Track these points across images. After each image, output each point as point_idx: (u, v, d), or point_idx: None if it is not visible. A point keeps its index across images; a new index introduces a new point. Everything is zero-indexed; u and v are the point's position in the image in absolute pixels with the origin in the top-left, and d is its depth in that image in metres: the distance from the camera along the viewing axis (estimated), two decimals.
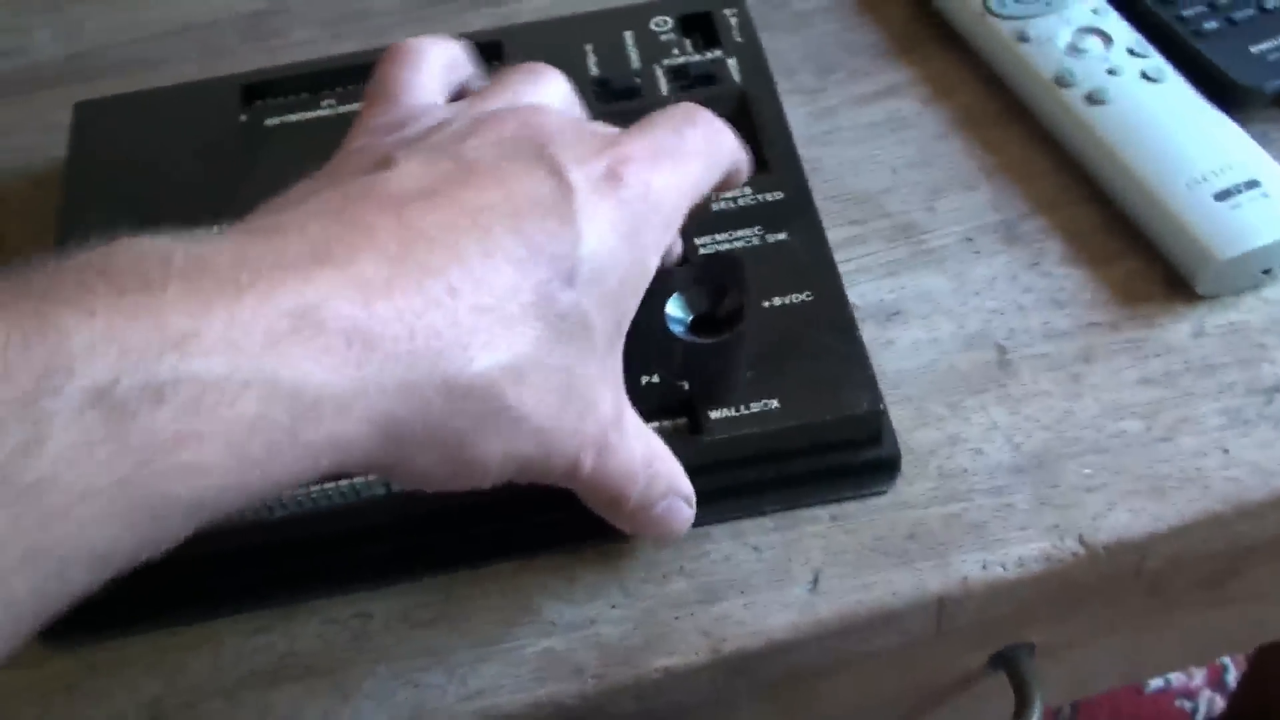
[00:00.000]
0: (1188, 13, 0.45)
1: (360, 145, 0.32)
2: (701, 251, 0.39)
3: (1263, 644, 0.89)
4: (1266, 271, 0.40)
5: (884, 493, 0.36)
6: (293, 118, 0.45)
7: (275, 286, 0.24)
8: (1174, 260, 0.40)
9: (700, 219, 0.38)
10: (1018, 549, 0.35)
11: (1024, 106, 0.46)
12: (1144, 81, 0.43)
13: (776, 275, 0.38)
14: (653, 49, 0.45)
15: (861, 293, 0.41)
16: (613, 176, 0.30)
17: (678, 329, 0.37)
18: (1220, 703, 1.00)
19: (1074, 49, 0.45)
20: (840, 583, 0.35)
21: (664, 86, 0.44)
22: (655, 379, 0.36)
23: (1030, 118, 0.46)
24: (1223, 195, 0.40)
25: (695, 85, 0.44)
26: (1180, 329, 0.39)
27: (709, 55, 0.45)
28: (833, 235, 0.43)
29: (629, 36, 0.46)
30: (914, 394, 0.39)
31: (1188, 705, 1.00)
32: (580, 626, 0.35)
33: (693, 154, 0.33)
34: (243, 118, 0.45)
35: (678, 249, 0.38)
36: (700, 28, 0.46)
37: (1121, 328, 0.40)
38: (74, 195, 0.43)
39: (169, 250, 0.24)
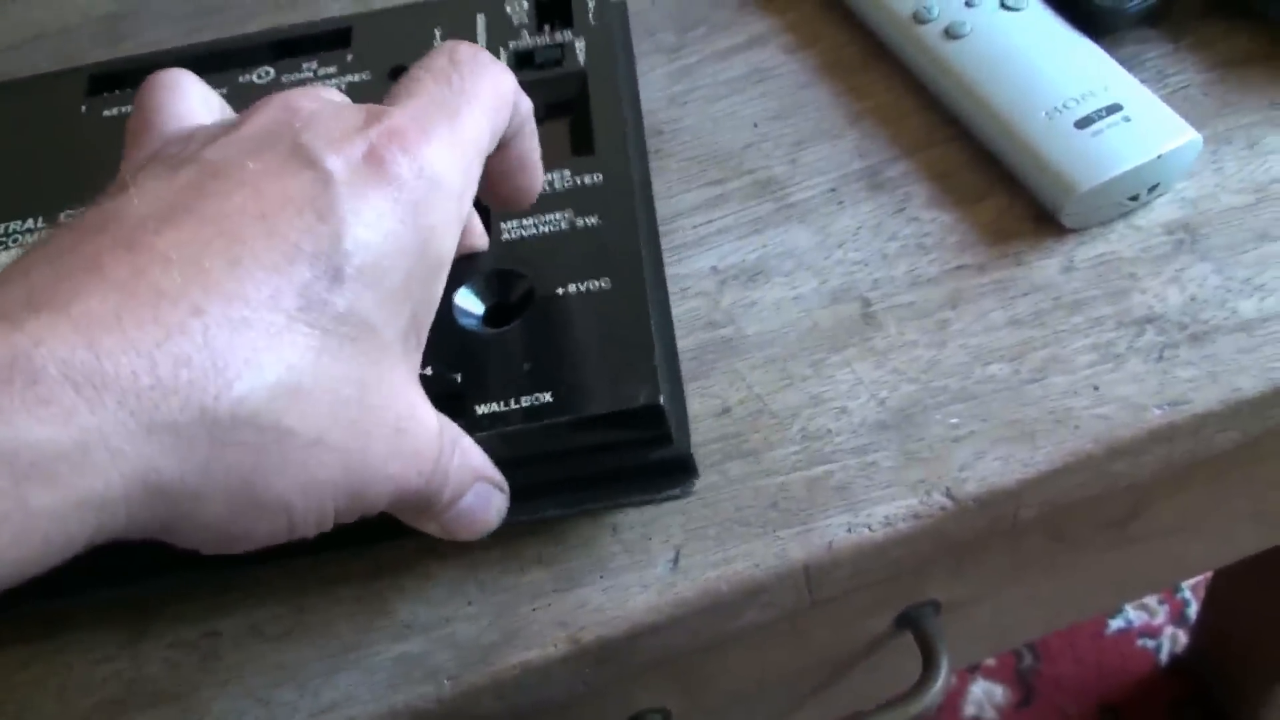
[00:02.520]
0: None
1: (121, 180, 0.28)
2: (504, 238, 0.36)
3: (1197, 576, 0.88)
4: (1134, 199, 0.38)
5: (678, 496, 0.34)
6: (130, 109, 0.43)
7: None
8: (1039, 194, 0.39)
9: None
10: (883, 508, 0.34)
11: (886, 48, 0.44)
12: (1003, 11, 0.42)
13: (578, 261, 0.35)
14: (502, 32, 0.43)
15: (723, 254, 0.40)
16: (375, 157, 0.27)
17: (468, 321, 0.35)
18: (1184, 638, 0.99)
19: None
20: (702, 558, 0.34)
21: None
22: (428, 371, 0.33)
23: (893, 59, 0.44)
24: (1083, 122, 0.38)
25: (538, 69, 0.41)
26: (1049, 265, 0.38)
27: (558, 37, 0.42)
28: (693, 197, 0.41)
29: (481, 20, 0.43)
30: (777, 355, 0.37)
31: (1151, 644, 0.99)
32: (436, 627, 0.34)
33: (469, 102, 0.29)
34: (83, 109, 0.44)
35: (480, 240, 0.36)
36: (556, 8, 0.43)
37: (989, 269, 0.38)
38: None
39: None
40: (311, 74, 0.43)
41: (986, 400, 0.35)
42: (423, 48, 0.42)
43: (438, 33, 0.43)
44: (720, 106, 0.44)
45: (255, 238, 0.25)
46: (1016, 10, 0.42)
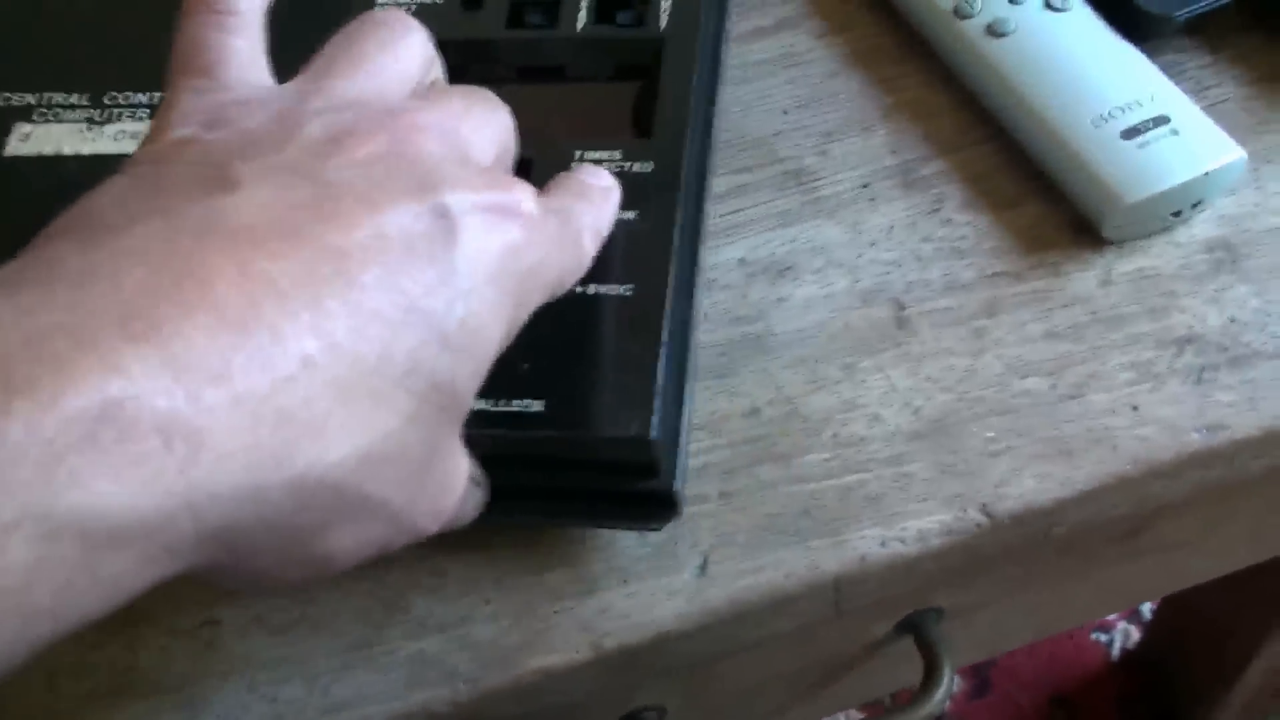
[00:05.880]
0: None
1: (184, 137, 0.25)
2: None
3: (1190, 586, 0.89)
4: (1176, 214, 0.37)
5: (657, 529, 0.32)
6: None
7: (66, 381, 0.19)
8: (1080, 203, 0.38)
9: None
10: (917, 522, 0.33)
11: (922, 40, 0.43)
12: (1047, 11, 0.41)
13: (605, 259, 0.32)
14: None
15: (752, 245, 0.38)
16: (502, 213, 0.25)
17: None
18: (1136, 634, 1.00)
19: None
20: (730, 566, 0.33)
21: (581, 20, 0.38)
22: None
23: (929, 52, 0.43)
24: (1130, 133, 0.37)
25: (616, 25, 0.39)
26: (1087, 277, 0.37)
27: None
28: (721, 183, 0.40)
29: None
30: (807, 355, 0.36)
31: (1104, 638, 1.00)
32: (452, 625, 0.32)
33: (584, 231, 0.30)
34: None
35: None
36: None
37: (1026, 278, 0.37)
38: None
39: None
40: None
41: (1024, 415, 0.35)
42: None
43: None
44: (748, 90, 0.43)
45: (374, 286, 0.23)
46: (1062, 10, 0.40)
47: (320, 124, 0.25)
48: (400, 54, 0.29)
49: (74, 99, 0.39)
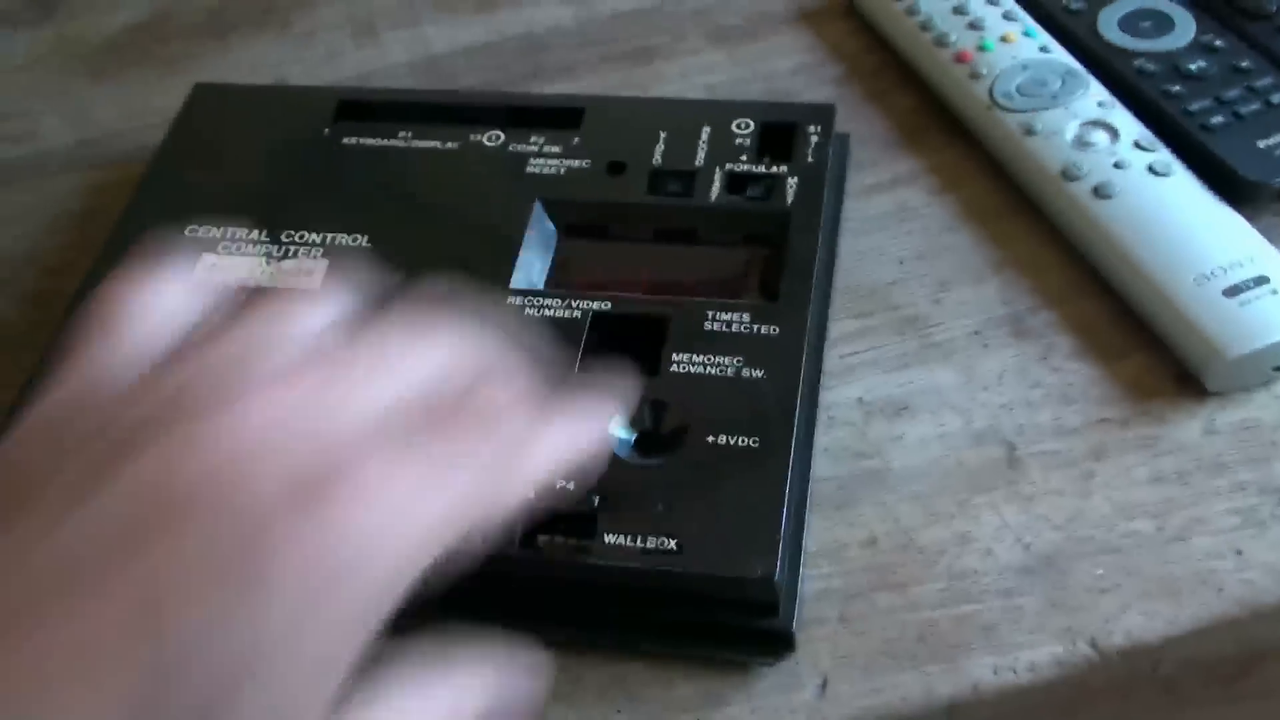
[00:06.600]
0: (1194, 107, 0.45)
1: (25, 435, 0.25)
2: (673, 369, 0.38)
3: None
4: (1277, 369, 0.39)
5: (771, 664, 0.35)
6: (368, 142, 0.47)
7: None
8: (1183, 356, 0.40)
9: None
10: (1029, 653, 0.35)
11: (1031, 199, 0.46)
12: (1151, 175, 0.43)
13: (734, 413, 0.36)
14: (722, 150, 0.44)
15: (869, 386, 0.41)
16: (312, 502, 0.22)
17: (618, 445, 0.36)
18: None
19: (1080, 142, 0.45)
20: (849, 688, 0.35)
21: (714, 192, 0.43)
22: (570, 485, 0.34)
23: (1038, 210, 0.46)
24: (1232, 291, 0.39)
25: (746, 197, 0.43)
26: (1191, 426, 0.39)
27: (774, 169, 0.44)
28: (840, 327, 0.43)
29: (705, 132, 0.45)
30: (923, 491, 0.38)
31: None
32: None
33: (457, 478, 0.25)
34: (326, 132, 0.47)
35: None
36: (780, 137, 0.45)
37: (1132, 424, 0.39)
38: (156, 173, 0.48)
39: None
40: (537, 148, 0.46)
41: (1131, 554, 0.36)
42: (643, 147, 0.45)
43: (662, 135, 0.45)
44: (867, 241, 0.46)
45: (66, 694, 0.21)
46: (1164, 175, 0.43)
47: (116, 436, 0.25)
48: (268, 345, 0.26)
49: (255, 234, 0.43)
